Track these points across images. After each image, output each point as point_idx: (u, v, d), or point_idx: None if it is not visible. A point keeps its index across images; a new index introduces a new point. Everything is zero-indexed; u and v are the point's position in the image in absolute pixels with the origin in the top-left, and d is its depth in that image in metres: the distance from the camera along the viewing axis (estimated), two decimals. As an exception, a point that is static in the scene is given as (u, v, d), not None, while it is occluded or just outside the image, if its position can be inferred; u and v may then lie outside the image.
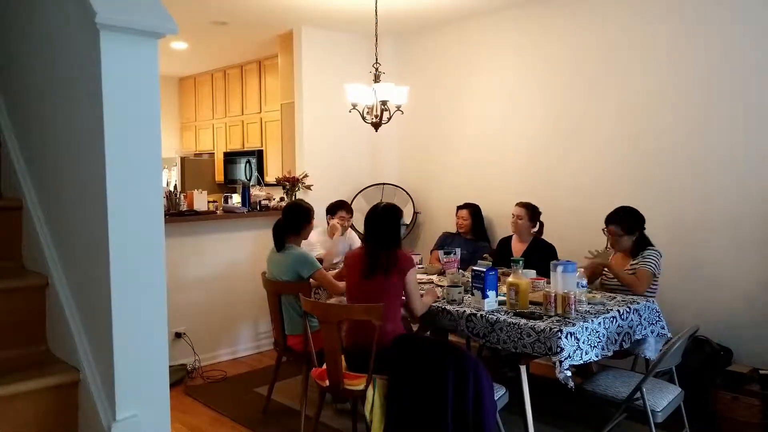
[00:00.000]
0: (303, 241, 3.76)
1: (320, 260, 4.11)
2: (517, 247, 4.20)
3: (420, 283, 3.51)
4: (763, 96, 3.56)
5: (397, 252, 3.04)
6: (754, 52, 3.59)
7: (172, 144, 8.01)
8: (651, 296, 3.40)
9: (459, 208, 4.78)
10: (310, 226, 3.74)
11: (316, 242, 4.44)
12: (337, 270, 3.94)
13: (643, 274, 3.38)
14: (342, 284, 3.56)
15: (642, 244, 3.51)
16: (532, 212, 4.15)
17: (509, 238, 4.32)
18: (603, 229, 3.59)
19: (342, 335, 3.05)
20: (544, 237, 4.21)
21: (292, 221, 3.64)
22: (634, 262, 3.47)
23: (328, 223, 4.59)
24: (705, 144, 3.79)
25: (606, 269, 3.56)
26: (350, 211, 4.65)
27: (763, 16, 3.55)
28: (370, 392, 2.80)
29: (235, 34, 5.59)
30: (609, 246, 3.60)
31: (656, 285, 3.48)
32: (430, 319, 3.26)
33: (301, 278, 3.48)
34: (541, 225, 4.21)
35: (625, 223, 3.51)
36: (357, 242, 4.70)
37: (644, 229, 3.55)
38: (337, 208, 4.59)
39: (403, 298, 3.10)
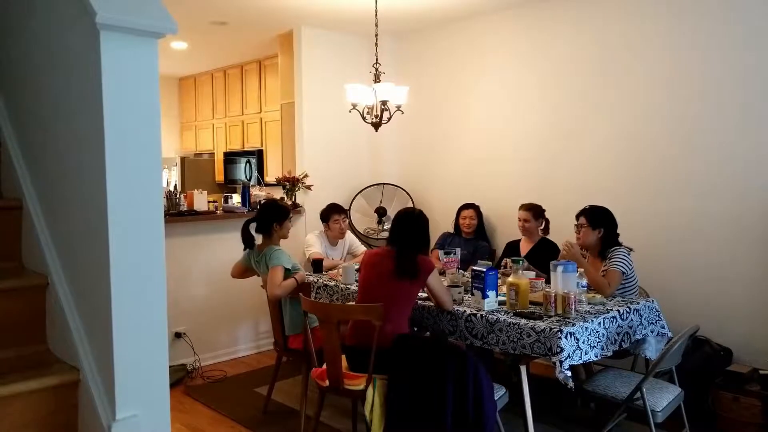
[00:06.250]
0: (306, 242, 3.73)
1: (318, 260, 4.09)
2: (525, 248, 4.19)
3: None
4: (761, 97, 3.56)
5: (419, 257, 3.00)
6: (750, 54, 3.59)
7: (172, 144, 8.01)
8: (631, 291, 3.38)
9: (463, 208, 4.77)
10: (284, 227, 3.63)
11: (315, 243, 4.43)
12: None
13: (612, 275, 3.33)
14: (285, 283, 3.42)
15: (610, 243, 3.47)
16: (535, 212, 4.15)
17: (518, 241, 4.30)
18: (575, 225, 3.57)
19: (345, 335, 3.05)
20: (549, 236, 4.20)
21: (260, 220, 3.60)
22: (604, 267, 3.43)
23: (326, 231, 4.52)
24: (703, 143, 3.80)
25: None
26: (343, 212, 4.54)
27: (759, 18, 3.55)
28: (370, 392, 2.80)
29: (235, 34, 5.59)
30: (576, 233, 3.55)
31: (631, 282, 3.42)
32: (431, 320, 3.26)
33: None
34: (547, 222, 4.21)
35: (591, 216, 3.49)
36: (357, 245, 4.69)
37: (614, 229, 3.49)
38: (330, 212, 4.47)
39: (418, 300, 3.15)
